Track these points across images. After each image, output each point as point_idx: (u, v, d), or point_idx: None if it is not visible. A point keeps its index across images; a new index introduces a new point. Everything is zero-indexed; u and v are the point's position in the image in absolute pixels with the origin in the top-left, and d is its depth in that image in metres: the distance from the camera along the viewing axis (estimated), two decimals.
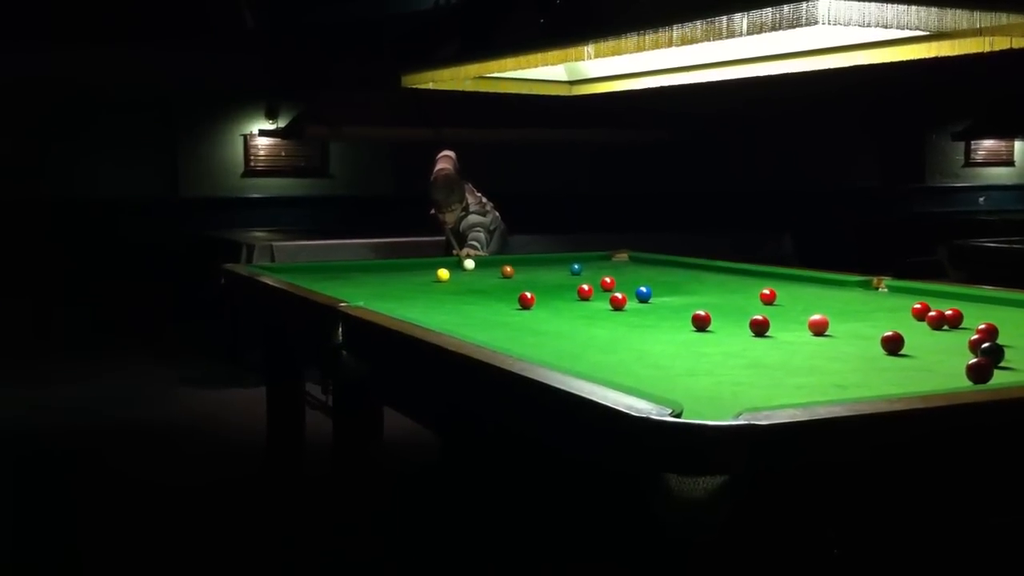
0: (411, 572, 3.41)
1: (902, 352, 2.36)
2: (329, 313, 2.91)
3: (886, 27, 2.55)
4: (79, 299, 8.68)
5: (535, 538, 2.16)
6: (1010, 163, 12.94)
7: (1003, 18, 2.62)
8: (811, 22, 2.47)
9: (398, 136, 9.07)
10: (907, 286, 3.52)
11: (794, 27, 2.51)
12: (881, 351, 2.38)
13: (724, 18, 2.65)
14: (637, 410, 1.59)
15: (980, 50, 2.99)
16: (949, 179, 12.57)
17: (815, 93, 6.74)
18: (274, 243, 6.69)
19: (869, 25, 2.53)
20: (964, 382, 1.99)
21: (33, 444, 5.25)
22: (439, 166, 5.85)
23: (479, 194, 5.82)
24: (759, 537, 1.58)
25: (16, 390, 6.29)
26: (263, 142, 9.86)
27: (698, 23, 2.73)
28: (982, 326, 2.45)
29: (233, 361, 6.97)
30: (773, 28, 2.54)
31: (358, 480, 3.33)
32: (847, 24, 2.51)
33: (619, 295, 3.27)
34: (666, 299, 3.46)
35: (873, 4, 2.50)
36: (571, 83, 4.40)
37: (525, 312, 3.19)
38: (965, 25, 2.61)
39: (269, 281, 3.84)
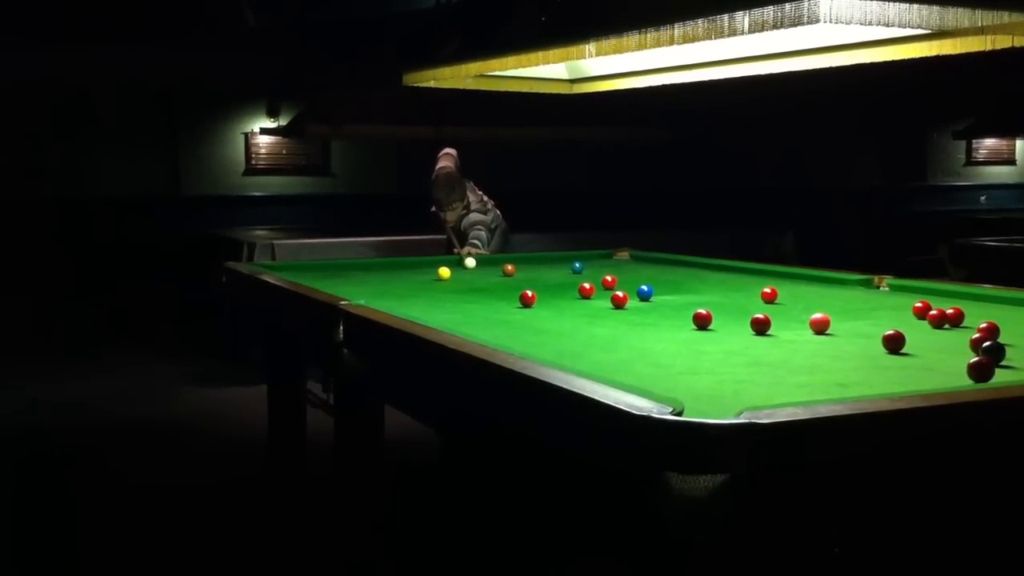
0: (411, 571, 3.41)
1: (903, 351, 2.36)
2: (330, 311, 2.91)
3: (888, 25, 2.55)
4: (80, 297, 8.69)
5: (536, 537, 2.16)
6: (1011, 162, 12.94)
7: (1005, 16, 2.61)
8: (813, 20, 2.46)
9: (399, 134, 9.06)
10: (908, 285, 3.52)
11: (796, 25, 2.51)
12: (882, 350, 2.38)
13: (726, 16, 2.65)
14: (638, 408, 1.59)
15: (982, 48, 2.99)
16: (950, 178, 12.56)
17: (817, 91, 6.74)
18: (275, 241, 6.69)
19: (871, 23, 2.53)
20: (965, 381, 1.99)
21: (34, 442, 5.25)
22: (440, 164, 5.85)
23: (480, 192, 5.82)
24: (760, 536, 1.58)
25: (18, 388, 6.30)
26: (264, 140, 9.86)
27: (700, 21, 2.73)
28: (983, 325, 2.45)
29: (234, 360, 6.97)
30: (775, 26, 2.53)
31: (359, 479, 3.33)
32: (848, 22, 2.51)
33: (620, 293, 3.27)
34: (667, 298, 3.46)
35: (875, 2, 2.50)
36: (572, 82, 4.40)
37: (526, 310, 3.19)
38: (967, 23, 2.61)
39: (270, 279, 3.84)
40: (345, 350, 2.80)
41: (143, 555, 3.74)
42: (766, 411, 1.58)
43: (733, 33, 2.66)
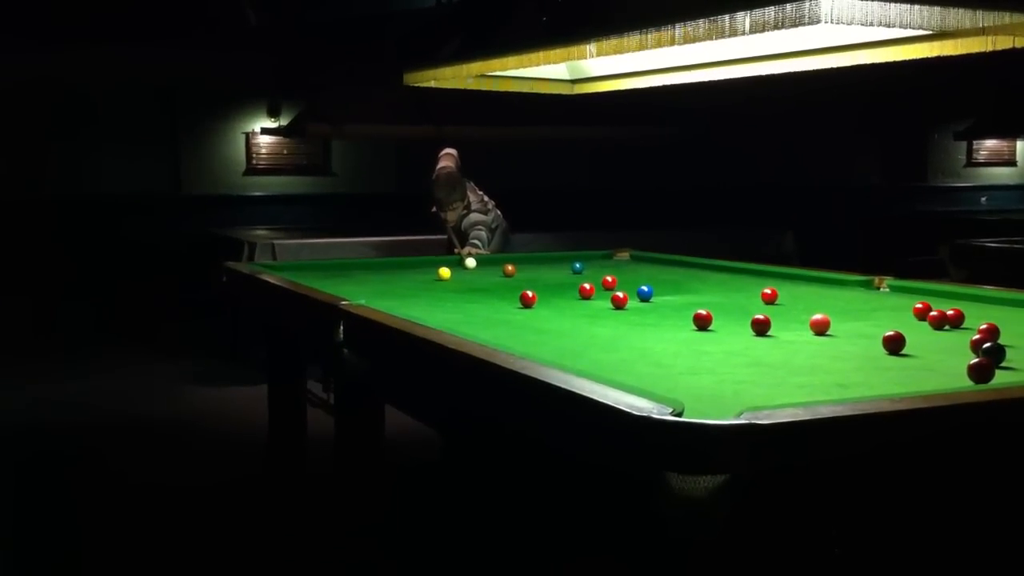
0: (411, 571, 3.41)
1: (903, 352, 2.36)
2: (331, 311, 2.91)
3: (888, 26, 2.55)
4: (81, 297, 8.69)
5: (536, 537, 2.16)
6: (1012, 163, 12.94)
7: (1006, 17, 2.61)
8: (814, 21, 2.46)
9: (400, 134, 9.06)
10: (909, 286, 3.52)
11: (797, 26, 2.51)
12: (883, 351, 2.38)
13: (727, 17, 2.65)
14: (638, 409, 1.59)
15: (983, 49, 2.99)
16: (951, 179, 12.56)
17: (817, 91, 6.73)
18: (276, 241, 6.69)
19: (871, 24, 2.53)
20: (965, 382, 1.99)
21: (34, 441, 5.25)
22: (441, 164, 5.85)
23: (480, 192, 5.82)
24: (760, 536, 1.58)
25: (18, 388, 6.29)
26: (265, 140, 9.86)
27: (701, 22, 2.73)
28: (983, 326, 2.45)
29: (234, 359, 6.97)
30: (776, 27, 2.53)
31: (359, 478, 3.33)
32: (849, 23, 2.51)
33: (620, 294, 3.27)
34: (667, 298, 3.46)
35: (875, 3, 2.50)
36: (573, 82, 4.40)
37: (527, 311, 3.19)
38: (968, 24, 2.61)
39: (270, 279, 3.84)
40: (345, 350, 2.81)
41: (143, 555, 3.74)
42: (766, 412, 1.58)
43: (734, 33, 2.66)
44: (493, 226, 5.73)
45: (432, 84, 4.14)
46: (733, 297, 3.50)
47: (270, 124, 9.80)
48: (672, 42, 2.86)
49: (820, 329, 2.67)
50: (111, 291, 8.81)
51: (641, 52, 3.16)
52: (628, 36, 3.00)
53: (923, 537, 1.75)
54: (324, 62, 8.70)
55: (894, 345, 2.37)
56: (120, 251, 9.13)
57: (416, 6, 6.97)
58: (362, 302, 2.98)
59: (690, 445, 1.51)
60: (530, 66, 3.57)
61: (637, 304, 3.30)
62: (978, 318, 2.65)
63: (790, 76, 3.57)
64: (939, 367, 2.22)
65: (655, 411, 1.57)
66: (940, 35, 2.95)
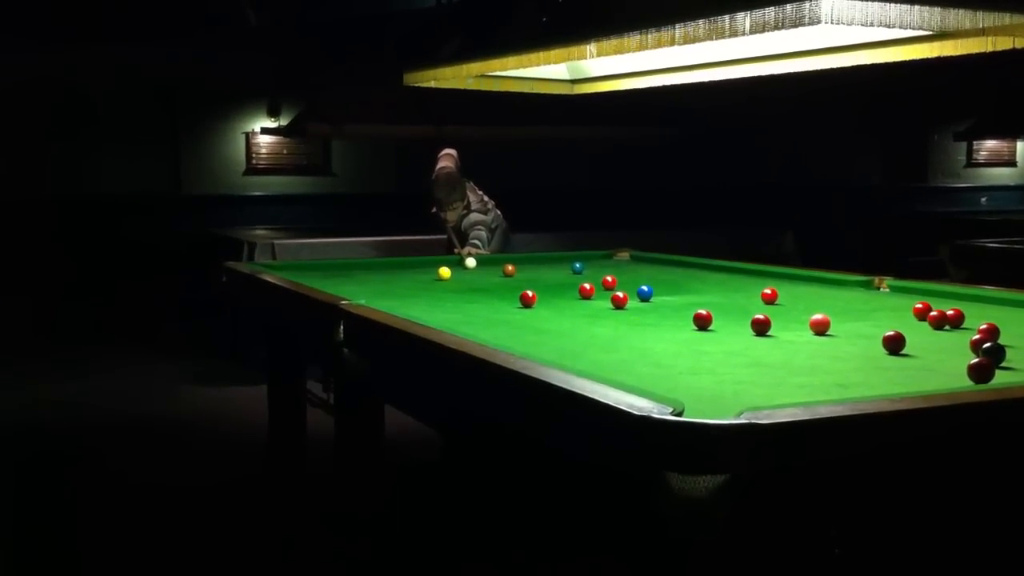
0: (412, 571, 3.41)
1: (904, 352, 2.36)
2: (331, 311, 2.91)
3: (889, 27, 2.55)
4: (81, 297, 8.69)
5: (536, 536, 2.16)
6: (1012, 164, 12.95)
7: (1006, 18, 2.61)
8: (814, 21, 2.46)
9: (400, 134, 9.06)
10: (909, 286, 3.52)
11: (797, 26, 2.51)
12: (883, 351, 2.38)
13: (727, 17, 2.65)
14: (638, 408, 1.59)
15: (983, 50, 2.99)
16: (951, 179, 12.57)
17: (818, 91, 6.74)
18: (275, 241, 6.69)
19: (872, 24, 2.53)
20: (965, 382, 1.99)
21: (34, 441, 5.25)
22: (441, 164, 5.85)
23: (480, 192, 5.82)
24: (760, 536, 1.58)
25: (18, 388, 6.30)
26: (265, 140, 9.87)
27: (701, 22, 2.73)
28: (983, 326, 2.45)
29: (234, 359, 6.97)
30: (776, 27, 2.53)
31: (359, 478, 3.33)
32: (850, 23, 2.51)
33: (620, 294, 3.27)
34: (667, 298, 3.46)
35: (876, 3, 2.50)
36: (573, 82, 4.40)
37: (527, 311, 3.19)
38: (968, 25, 2.61)
39: (270, 279, 3.84)
40: (345, 350, 2.81)
41: (143, 555, 3.74)
42: (766, 411, 1.58)
43: (734, 34, 2.66)
44: (493, 226, 5.74)
45: (432, 84, 4.14)
46: (733, 297, 3.50)
47: (270, 124, 9.80)
48: (672, 42, 2.86)
49: (820, 329, 2.67)
50: (111, 291, 8.81)
51: (641, 52, 3.16)
52: (628, 36, 3.00)
53: (923, 537, 1.75)
54: (324, 62, 8.70)
55: (894, 345, 2.37)
56: (120, 251, 9.13)
57: (416, 6, 6.98)
58: (362, 302, 2.97)
59: (690, 445, 1.51)
60: (530, 66, 3.57)
61: (637, 304, 3.30)
62: (978, 318, 2.65)
63: (790, 76, 3.57)
64: (939, 367, 2.22)
65: (655, 411, 1.57)
66: (940, 36, 2.95)
